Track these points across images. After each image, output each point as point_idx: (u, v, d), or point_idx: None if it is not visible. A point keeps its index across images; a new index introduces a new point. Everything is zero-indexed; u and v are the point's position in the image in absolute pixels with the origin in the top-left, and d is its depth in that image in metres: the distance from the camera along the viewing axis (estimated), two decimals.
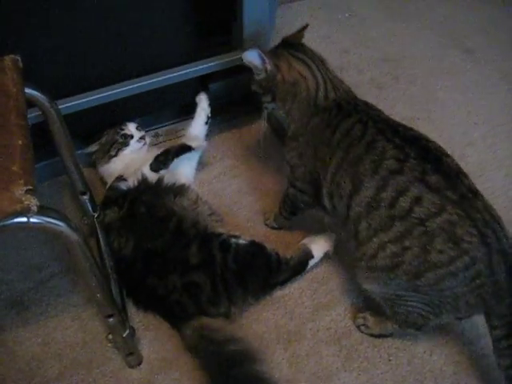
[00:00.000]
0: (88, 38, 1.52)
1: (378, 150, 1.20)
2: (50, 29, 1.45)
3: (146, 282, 1.41)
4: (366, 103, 1.38)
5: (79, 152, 1.68)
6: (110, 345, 1.39)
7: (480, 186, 1.75)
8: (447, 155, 1.22)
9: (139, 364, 1.38)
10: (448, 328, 1.45)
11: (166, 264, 1.41)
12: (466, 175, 1.19)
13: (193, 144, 1.65)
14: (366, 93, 2.13)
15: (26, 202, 0.88)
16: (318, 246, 1.55)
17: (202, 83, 1.74)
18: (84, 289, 1.51)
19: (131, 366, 1.38)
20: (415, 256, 1.15)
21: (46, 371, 1.37)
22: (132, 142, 1.70)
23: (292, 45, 1.44)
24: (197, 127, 1.71)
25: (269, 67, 1.38)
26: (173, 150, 1.62)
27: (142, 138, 1.71)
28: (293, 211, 1.58)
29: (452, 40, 2.41)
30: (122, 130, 1.70)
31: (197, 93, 1.72)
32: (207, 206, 1.60)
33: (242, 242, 1.45)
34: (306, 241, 1.57)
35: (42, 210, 0.92)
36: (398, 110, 2.08)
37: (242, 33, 1.63)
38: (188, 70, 1.64)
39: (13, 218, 0.90)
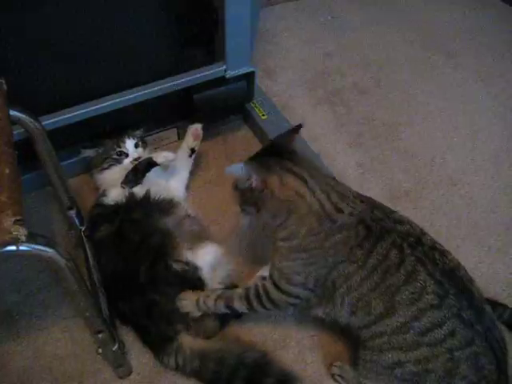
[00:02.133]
0: (70, 54, 1.54)
1: (419, 284, 1.17)
2: (30, 46, 1.47)
3: (119, 305, 1.44)
4: (388, 214, 1.27)
5: (66, 162, 1.71)
6: (99, 356, 1.42)
7: (459, 190, 1.83)
8: (473, 284, 1.23)
9: (129, 375, 1.41)
10: None
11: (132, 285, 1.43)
12: (487, 306, 1.22)
13: (158, 159, 1.61)
14: (348, 97, 2.18)
15: (14, 233, 0.90)
16: None
17: (186, 94, 1.76)
18: (73, 302, 1.53)
19: (121, 377, 1.41)
20: (438, 377, 1.19)
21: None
22: (125, 161, 1.68)
23: (283, 153, 1.26)
24: (178, 160, 1.74)
25: (254, 183, 1.22)
26: (140, 167, 1.60)
27: (136, 159, 1.66)
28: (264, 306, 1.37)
29: (433, 44, 2.45)
30: (119, 146, 1.68)
31: (182, 100, 1.74)
32: (194, 225, 1.59)
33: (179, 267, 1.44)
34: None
35: (31, 238, 0.94)
36: (379, 115, 2.12)
37: (225, 44, 1.66)
38: (171, 83, 1.67)
39: (2, 248, 0.92)
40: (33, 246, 0.96)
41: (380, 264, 1.20)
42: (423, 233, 1.26)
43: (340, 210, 1.22)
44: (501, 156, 1.98)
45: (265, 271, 1.46)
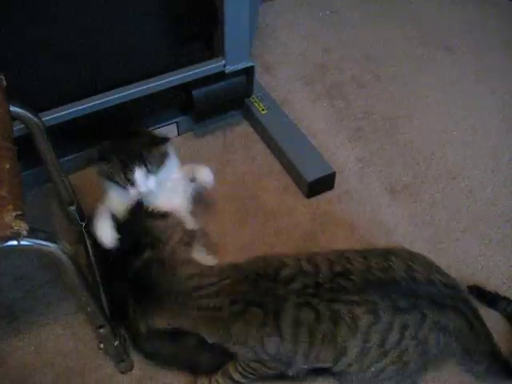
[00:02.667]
0: (68, 50, 1.54)
1: (347, 318, 1.17)
2: (29, 43, 1.47)
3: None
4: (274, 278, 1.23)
5: (66, 159, 1.71)
6: (101, 351, 1.43)
7: (459, 184, 1.83)
8: (390, 271, 1.23)
9: (131, 369, 1.42)
10: None
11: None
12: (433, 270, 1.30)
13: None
14: (347, 92, 2.18)
15: (15, 228, 0.91)
16: None
17: (185, 89, 1.76)
18: (73, 297, 1.53)
19: (123, 372, 1.41)
20: (416, 361, 1.22)
21: (39, 379, 1.40)
22: (130, 190, 1.44)
23: None
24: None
25: None
26: None
27: (141, 193, 1.44)
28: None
29: (433, 40, 2.44)
30: (129, 172, 1.42)
31: (180, 98, 1.74)
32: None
33: None
34: None
35: (32, 233, 0.94)
36: (378, 109, 2.12)
37: (224, 39, 1.66)
38: (170, 79, 1.67)
39: (3, 243, 0.92)
40: (34, 240, 0.96)
41: (298, 327, 1.17)
42: (316, 272, 1.21)
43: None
44: (500, 150, 1.98)
45: None
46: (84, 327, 1.49)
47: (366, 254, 1.27)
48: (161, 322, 1.28)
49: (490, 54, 2.37)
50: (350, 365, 1.21)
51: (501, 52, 2.39)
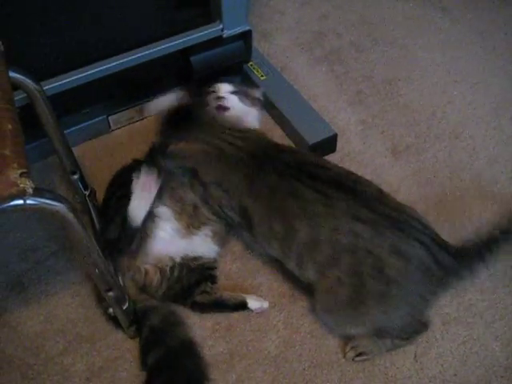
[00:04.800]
0: (65, 17, 1.53)
1: (304, 198, 1.26)
2: (27, 7, 1.45)
3: None
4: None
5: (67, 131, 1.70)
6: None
7: (461, 143, 1.83)
8: (360, 182, 1.31)
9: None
10: None
11: None
12: (387, 196, 1.31)
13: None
14: (346, 56, 2.16)
15: (21, 185, 0.91)
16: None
17: (182, 56, 1.75)
18: (82, 266, 1.54)
19: (132, 337, 1.42)
20: (374, 279, 1.22)
21: (50, 347, 1.41)
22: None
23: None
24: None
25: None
26: None
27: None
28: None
29: (429, 1, 2.42)
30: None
31: (179, 66, 1.72)
32: None
33: None
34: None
35: (38, 192, 0.94)
36: (378, 72, 2.10)
37: (221, 2, 1.64)
38: (168, 45, 1.65)
39: (9, 202, 0.92)
40: (40, 199, 0.96)
41: (265, 188, 1.31)
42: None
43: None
44: (501, 107, 1.96)
45: None
46: (92, 295, 1.49)
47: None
48: None
49: (488, 13, 2.35)
50: (300, 254, 1.29)
51: (500, 10, 2.36)
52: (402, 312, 1.28)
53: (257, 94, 1.66)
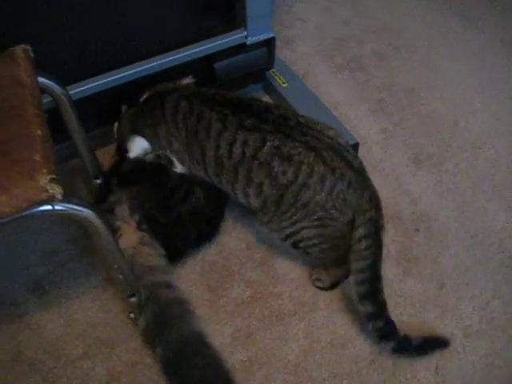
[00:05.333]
0: (92, 23, 1.54)
1: (206, 119, 1.39)
2: (54, 13, 1.47)
3: None
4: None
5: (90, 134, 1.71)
6: (130, 323, 1.44)
7: (483, 153, 1.82)
8: (260, 101, 1.46)
9: None
10: (457, 294, 1.49)
11: None
12: (278, 107, 1.43)
13: None
14: (367, 64, 2.16)
15: (50, 191, 0.91)
16: None
17: (206, 62, 1.75)
18: (102, 270, 1.55)
19: None
20: (267, 185, 1.33)
21: (70, 351, 1.41)
22: None
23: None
24: None
25: None
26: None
27: None
28: None
29: (452, 9, 2.41)
30: None
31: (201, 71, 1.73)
32: None
33: None
34: None
35: (66, 198, 0.95)
36: (399, 81, 2.10)
37: (246, 10, 1.64)
38: (192, 51, 1.66)
39: (38, 207, 0.93)
40: (68, 205, 0.97)
41: (176, 114, 1.44)
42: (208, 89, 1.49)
43: None
44: None
45: None
46: (112, 300, 1.50)
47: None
48: None
49: (510, 22, 2.34)
50: (218, 175, 1.42)
51: None
52: (305, 224, 1.37)
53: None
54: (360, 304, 1.32)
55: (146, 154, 1.53)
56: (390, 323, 1.33)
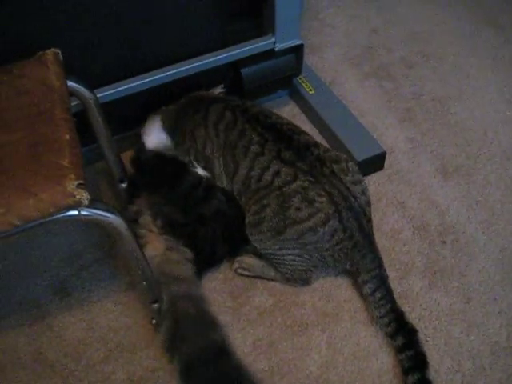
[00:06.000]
0: (120, 29, 1.55)
1: (247, 137, 1.45)
2: (83, 18, 1.47)
3: None
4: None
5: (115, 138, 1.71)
6: (152, 328, 1.43)
7: None
8: (299, 133, 1.48)
9: None
10: (484, 309, 1.46)
11: None
12: (316, 146, 1.45)
13: None
14: (395, 72, 2.14)
15: (77, 196, 0.91)
16: None
17: (233, 68, 1.75)
18: (125, 275, 1.55)
19: None
20: (274, 213, 1.37)
21: (92, 354, 1.41)
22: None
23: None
24: None
25: None
26: None
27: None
28: None
29: (483, 17, 2.38)
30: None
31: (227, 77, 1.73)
32: None
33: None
34: None
35: (92, 203, 0.95)
36: (428, 89, 2.07)
37: (275, 16, 1.63)
38: (219, 57, 1.65)
39: (65, 212, 0.93)
40: (94, 211, 0.97)
41: (219, 122, 1.50)
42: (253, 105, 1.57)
43: None
44: None
45: None
46: (134, 304, 1.49)
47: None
48: None
49: None
50: (239, 192, 1.48)
51: None
52: (295, 252, 1.41)
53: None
54: (393, 340, 1.37)
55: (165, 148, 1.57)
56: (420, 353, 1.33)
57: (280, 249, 1.42)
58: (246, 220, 1.45)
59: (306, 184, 1.36)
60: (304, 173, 1.37)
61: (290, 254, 1.43)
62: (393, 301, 1.39)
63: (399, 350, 1.35)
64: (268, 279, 1.53)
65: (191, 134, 1.55)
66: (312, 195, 1.35)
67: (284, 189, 1.37)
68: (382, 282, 1.40)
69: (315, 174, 1.37)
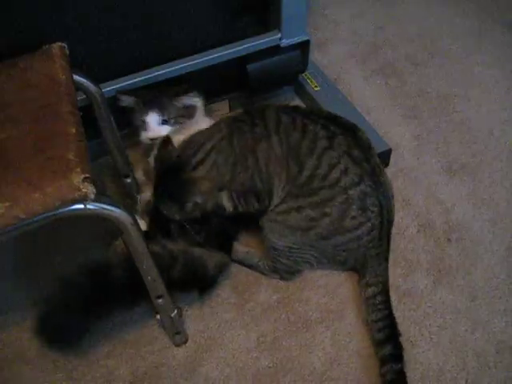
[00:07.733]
0: (125, 24, 1.54)
1: (311, 134, 1.35)
2: (90, 11, 1.47)
3: None
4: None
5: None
6: (156, 324, 1.43)
7: None
8: (358, 129, 1.40)
9: (185, 342, 1.42)
10: (489, 307, 1.45)
11: None
12: (374, 149, 1.39)
13: None
14: (401, 70, 2.13)
15: (83, 190, 0.91)
16: None
17: (239, 63, 1.74)
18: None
19: (177, 345, 1.41)
20: (332, 222, 1.33)
21: (95, 349, 1.41)
22: (143, 134, 1.54)
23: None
24: None
25: None
26: None
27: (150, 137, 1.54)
28: None
29: (490, 15, 2.36)
30: (144, 115, 1.52)
31: (235, 72, 1.72)
32: None
33: None
34: None
35: (98, 197, 0.94)
36: (434, 87, 2.06)
37: (281, 11, 1.63)
38: (225, 52, 1.65)
39: (71, 206, 0.93)
40: (100, 205, 0.97)
41: (279, 126, 1.39)
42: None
43: None
44: None
45: None
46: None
47: None
48: None
49: None
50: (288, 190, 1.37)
51: None
52: (317, 252, 1.41)
53: (188, 101, 1.58)
54: (379, 349, 1.34)
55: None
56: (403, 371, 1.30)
57: (303, 247, 1.41)
58: (281, 218, 1.38)
59: (368, 190, 1.32)
60: (368, 176, 1.32)
61: (307, 253, 1.42)
62: (390, 308, 1.38)
63: (384, 361, 1.31)
64: (246, 265, 1.54)
65: (253, 154, 1.40)
66: (368, 203, 1.32)
67: (350, 191, 1.31)
68: (386, 287, 1.40)
69: (375, 180, 1.33)
